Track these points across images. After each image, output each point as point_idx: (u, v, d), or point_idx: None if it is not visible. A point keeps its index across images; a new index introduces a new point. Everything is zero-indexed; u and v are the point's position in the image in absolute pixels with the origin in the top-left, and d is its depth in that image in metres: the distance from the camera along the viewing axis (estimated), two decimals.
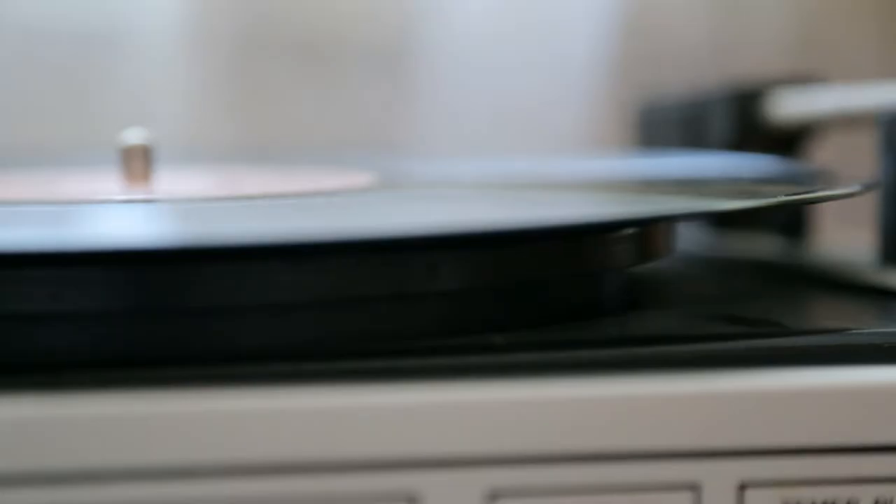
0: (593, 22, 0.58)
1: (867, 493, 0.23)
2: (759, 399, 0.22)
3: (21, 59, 0.55)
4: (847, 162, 0.38)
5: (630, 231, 0.26)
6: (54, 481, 0.21)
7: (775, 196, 0.28)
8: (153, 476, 0.21)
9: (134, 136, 0.33)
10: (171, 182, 0.33)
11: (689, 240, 0.36)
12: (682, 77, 0.56)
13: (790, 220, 0.37)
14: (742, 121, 0.36)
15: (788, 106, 0.36)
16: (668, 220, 0.28)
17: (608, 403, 0.22)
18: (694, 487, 0.22)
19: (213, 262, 0.22)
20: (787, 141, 0.38)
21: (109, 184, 0.33)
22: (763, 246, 0.36)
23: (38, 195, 0.31)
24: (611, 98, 0.58)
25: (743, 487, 0.22)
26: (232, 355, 0.22)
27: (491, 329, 0.23)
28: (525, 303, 0.25)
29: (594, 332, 0.24)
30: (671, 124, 0.43)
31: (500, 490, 0.22)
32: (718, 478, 0.22)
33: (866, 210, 0.32)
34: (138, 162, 0.32)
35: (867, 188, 0.29)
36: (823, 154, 0.45)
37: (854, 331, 0.24)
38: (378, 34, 0.57)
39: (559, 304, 0.25)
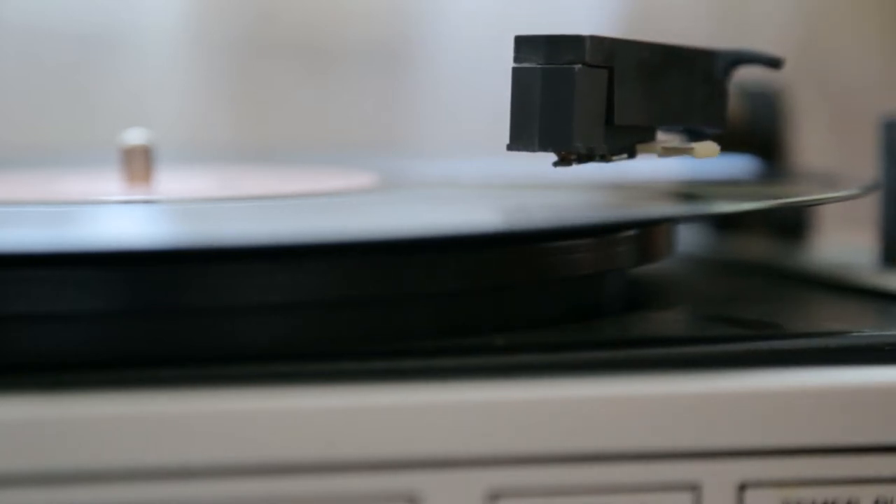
0: (593, 23, 0.58)
1: (867, 493, 0.23)
2: (759, 400, 0.22)
3: (21, 59, 0.55)
4: (845, 162, 0.38)
5: (631, 233, 0.26)
6: (54, 481, 0.21)
7: (777, 198, 0.28)
8: (153, 476, 0.21)
9: (134, 136, 0.33)
10: (171, 182, 0.33)
11: (689, 241, 0.36)
12: None
13: (791, 222, 0.37)
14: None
15: None
16: (669, 222, 0.28)
17: (608, 404, 0.22)
18: (694, 487, 0.22)
19: (214, 262, 0.22)
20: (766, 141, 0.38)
21: (110, 184, 0.33)
22: (764, 248, 0.36)
23: (38, 195, 0.31)
24: None
25: (743, 487, 0.22)
26: (232, 355, 0.22)
27: (491, 330, 0.23)
28: (525, 304, 0.24)
29: (594, 333, 0.24)
30: None
31: (500, 490, 0.22)
32: (718, 478, 0.22)
33: (867, 212, 0.32)
34: (139, 162, 0.32)
35: (868, 190, 0.29)
36: (822, 156, 0.45)
37: (854, 332, 0.24)
38: (378, 34, 0.57)
39: (560, 306, 0.25)
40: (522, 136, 0.24)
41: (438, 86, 0.58)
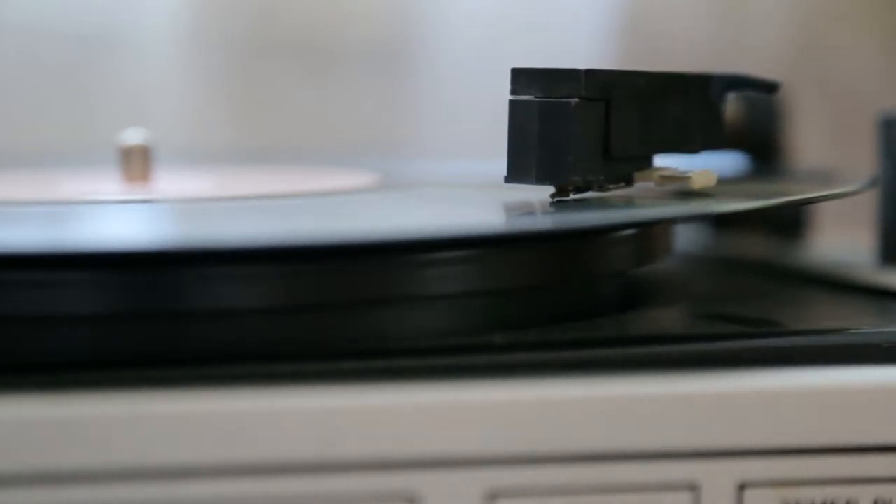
0: (593, 23, 0.58)
1: (866, 493, 0.23)
2: (758, 399, 0.22)
3: (21, 59, 0.55)
4: (845, 162, 0.38)
5: (629, 233, 0.26)
6: (54, 481, 0.21)
7: (776, 196, 0.28)
8: (153, 476, 0.21)
9: (133, 136, 0.33)
10: (170, 182, 0.33)
11: (687, 240, 0.36)
12: None
13: (789, 221, 0.37)
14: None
15: None
16: (668, 222, 0.28)
17: (608, 403, 0.22)
18: (693, 487, 0.22)
19: (213, 262, 0.22)
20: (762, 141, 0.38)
21: (109, 184, 0.33)
22: (762, 246, 0.36)
23: (38, 195, 0.31)
24: None
25: (742, 487, 0.22)
26: (231, 355, 0.22)
27: (491, 330, 0.23)
28: (525, 304, 0.25)
29: (594, 333, 0.24)
30: None
31: (499, 490, 0.22)
32: (718, 478, 0.22)
33: (865, 210, 0.32)
34: (138, 162, 0.33)
35: (866, 188, 0.29)
36: (822, 156, 0.45)
37: (853, 331, 0.24)
38: (378, 34, 0.57)
39: (559, 306, 0.25)
40: (520, 170, 0.24)
41: (438, 86, 0.58)
